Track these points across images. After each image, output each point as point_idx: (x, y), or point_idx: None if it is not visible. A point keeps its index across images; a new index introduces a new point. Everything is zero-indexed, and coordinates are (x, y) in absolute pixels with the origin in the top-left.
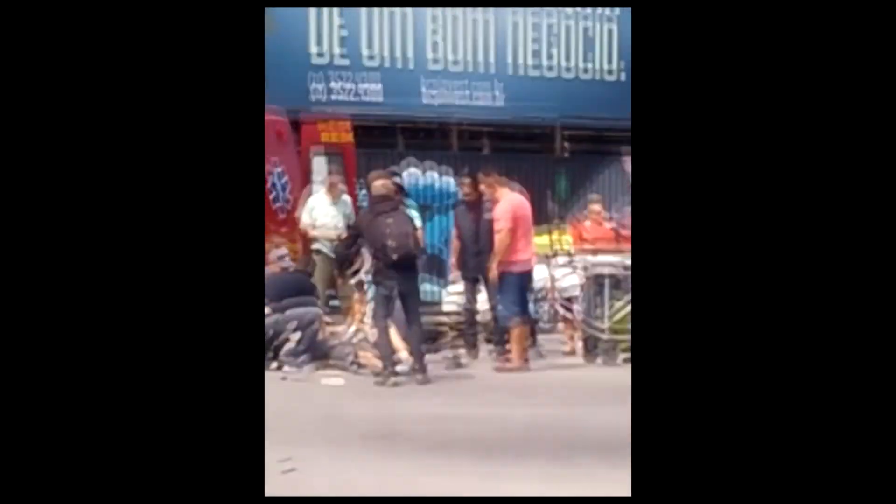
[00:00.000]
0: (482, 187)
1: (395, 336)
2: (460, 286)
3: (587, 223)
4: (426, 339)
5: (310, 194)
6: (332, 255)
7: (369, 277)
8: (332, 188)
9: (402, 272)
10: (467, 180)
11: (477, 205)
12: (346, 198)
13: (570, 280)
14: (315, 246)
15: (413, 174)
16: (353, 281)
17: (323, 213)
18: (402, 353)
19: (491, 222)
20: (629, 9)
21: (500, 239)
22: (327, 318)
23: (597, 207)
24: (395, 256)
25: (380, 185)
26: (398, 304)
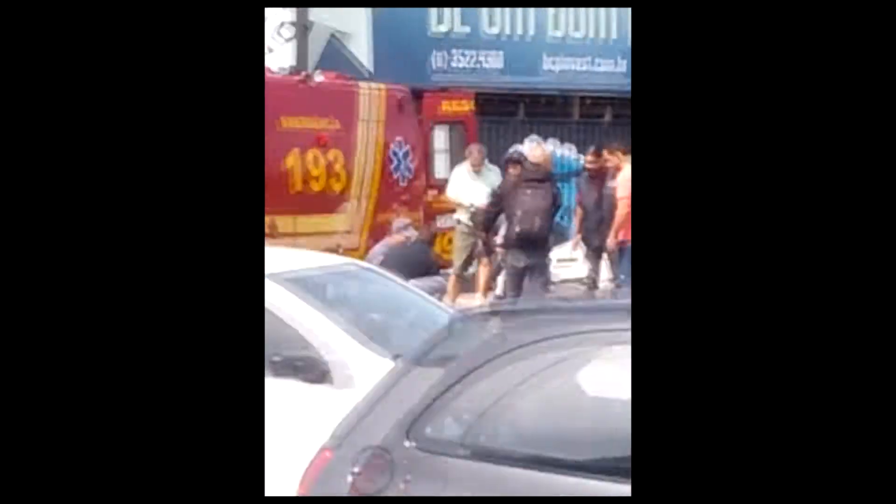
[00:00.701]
0: (606, 157)
1: None
2: (565, 251)
3: None
4: None
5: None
6: (470, 225)
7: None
8: (475, 161)
9: (530, 247)
10: (591, 149)
11: (600, 175)
12: (492, 168)
13: None
14: (455, 216)
15: (535, 142)
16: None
17: (465, 184)
18: None
19: (613, 193)
20: None
21: (620, 210)
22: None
23: None
24: (517, 229)
25: (537, 152)
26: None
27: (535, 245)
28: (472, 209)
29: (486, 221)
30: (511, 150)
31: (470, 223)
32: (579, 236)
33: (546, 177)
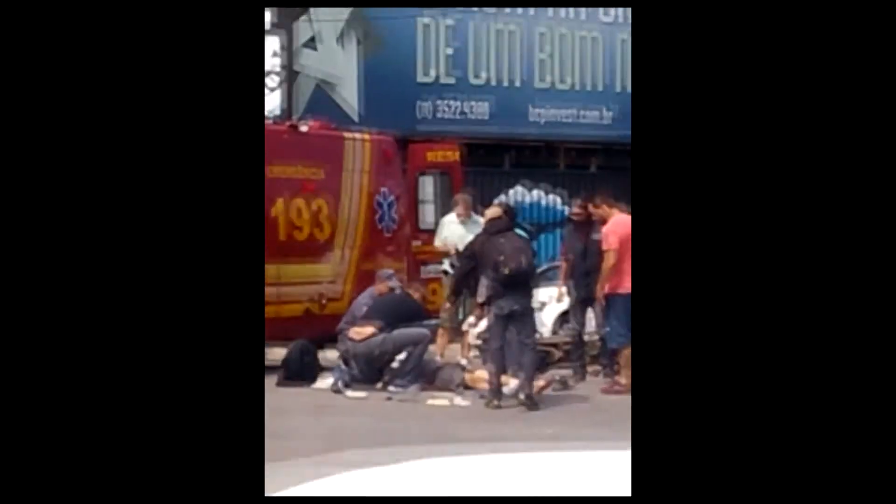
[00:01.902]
0: (592, 208)
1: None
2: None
3: None
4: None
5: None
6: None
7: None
8: (463, 210)
9: (515, 290)
10: (578, 200)
11: (586, 225)
12: (478, 218)
13: None
14: (443, 266)
15: (520, 192)
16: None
17: (453, 233)
18: (511, 379)
19: (599, 243)
20: None
21: (606, 260)
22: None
23: None
24: (506, 271)
25: (492, 210)
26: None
27: (521, 287)
28: (453, 252)
29: (456, 282)
30: (496, 200)
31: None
32: (564, 287)
33: (508, 225)
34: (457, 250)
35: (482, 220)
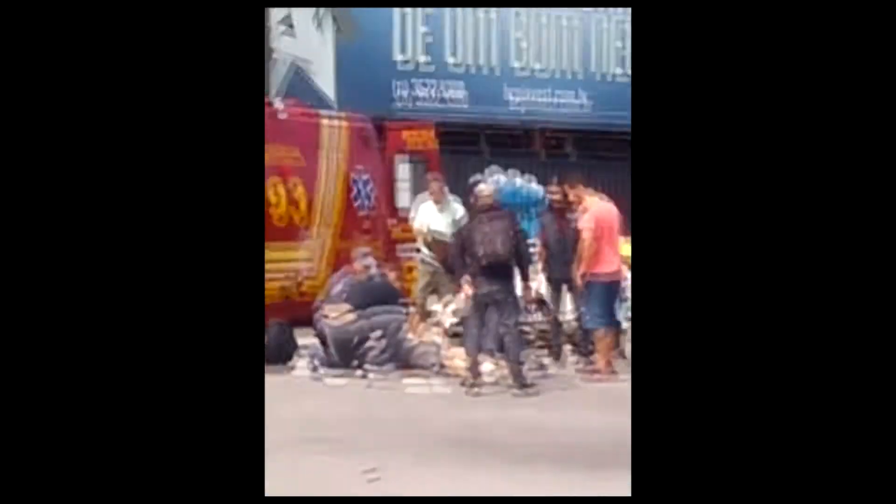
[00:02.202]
0: (569, 195)
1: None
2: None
3: None
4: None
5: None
6: (435, 264)
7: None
8: (434, 194)
9: (494, 278)
10: (556, 188)
11: (564, 212)
12: (455, 203)
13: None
14: (419, 255)
15: (497, 179)
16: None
17: (431, 219)
18: (487, 363)
19: (577, 230)
20: None
21: (583, 247)
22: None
23: None
24: (483, 262)
25: (484, 193)
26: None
27: (494, 277)
28: (430, 239)
29: (452, 260)
30: (471, 181)
31: (431, 255)
32: (543, 272)
33: (498, 205)
34: (432, 234)
35: (457, 204)
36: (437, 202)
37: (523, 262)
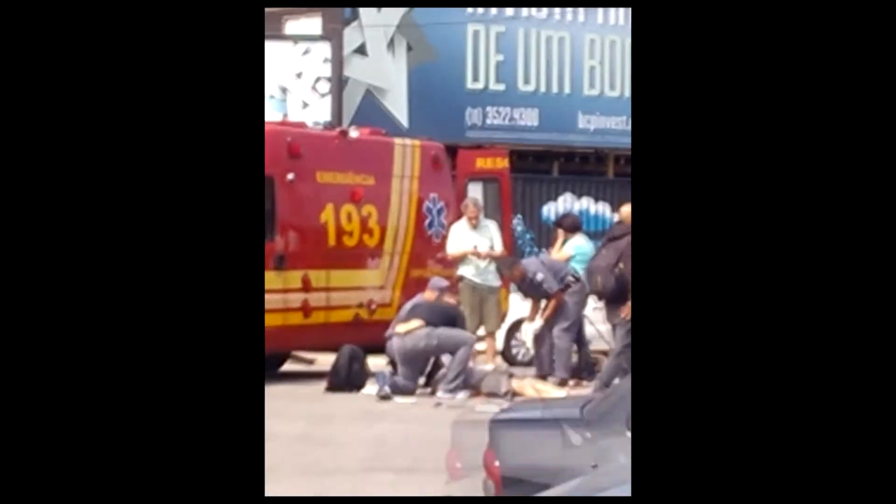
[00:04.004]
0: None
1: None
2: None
3: None
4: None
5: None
6: (475, 281)
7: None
8: (469, 212)
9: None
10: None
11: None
12: (488, 222)
13: None
14: (459, 273)
15: (568, 200)
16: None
17: (464, 239)
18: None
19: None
20: None
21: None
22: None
23: None
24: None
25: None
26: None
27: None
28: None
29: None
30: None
31: (475, 279)
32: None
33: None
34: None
35: (491, 224)
36: (472, 223)
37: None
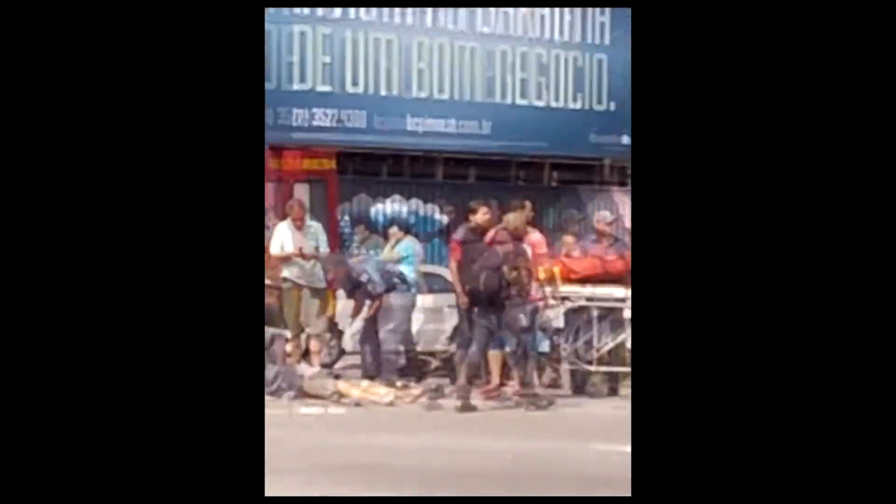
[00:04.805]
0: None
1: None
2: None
3: (574, 253)
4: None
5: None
6: (300, 283)
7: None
8: (294, 213)
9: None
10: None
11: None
12: (314, 224)
13: (555, 312)
14: (283, 274)
15: (397, 202)
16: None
17: (288, 240)
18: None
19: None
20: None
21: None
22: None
23: (570, 239)
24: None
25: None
26: None
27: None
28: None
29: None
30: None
31: (297, 279)
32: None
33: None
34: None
35: (315, 225)
36: (297, 225)
37: None
